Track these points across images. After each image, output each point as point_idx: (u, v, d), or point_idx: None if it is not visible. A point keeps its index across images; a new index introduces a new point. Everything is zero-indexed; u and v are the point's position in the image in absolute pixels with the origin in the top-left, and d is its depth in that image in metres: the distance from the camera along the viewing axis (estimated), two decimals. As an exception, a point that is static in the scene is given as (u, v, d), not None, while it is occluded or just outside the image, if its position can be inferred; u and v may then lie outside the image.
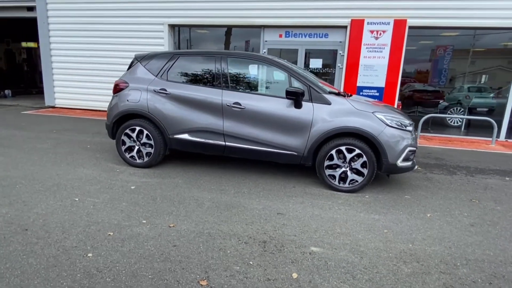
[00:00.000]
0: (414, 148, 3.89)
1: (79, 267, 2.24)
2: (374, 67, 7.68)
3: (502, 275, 2.35)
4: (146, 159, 4.44)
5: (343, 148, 3.78)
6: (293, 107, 3.89)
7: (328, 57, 8.32)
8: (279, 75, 4.25)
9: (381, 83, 7.72)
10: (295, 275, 2.24)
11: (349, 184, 3.86)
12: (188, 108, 4.21)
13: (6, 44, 16.12)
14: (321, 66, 8.32)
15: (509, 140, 7.75)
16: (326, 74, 8.31)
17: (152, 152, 4.39)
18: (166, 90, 4.28)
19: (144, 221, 2.94)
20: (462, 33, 8.43)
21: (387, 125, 3.73)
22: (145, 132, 4.36)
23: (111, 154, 5.07)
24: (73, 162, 4.62)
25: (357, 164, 3.78)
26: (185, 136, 4.26)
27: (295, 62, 8.20)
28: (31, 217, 2.93)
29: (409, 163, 3.90)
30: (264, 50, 8.45)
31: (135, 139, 4.42)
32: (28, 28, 12.55)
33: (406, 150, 3.77)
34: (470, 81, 9.53)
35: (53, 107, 10.12)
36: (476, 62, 9.45)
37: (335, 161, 3.84)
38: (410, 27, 7.43)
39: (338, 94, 4.09)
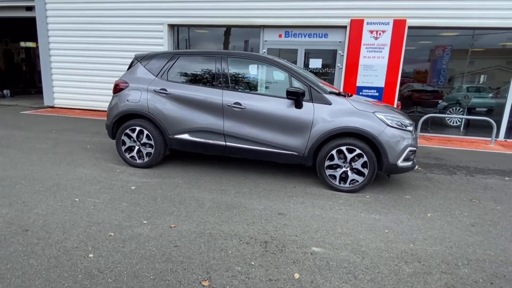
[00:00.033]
0: (415, 148, 3.90)
1: (80, 268, 2.23)
2: (373, 67, 7.69)
3: (503, 275, 2.36)
4: (146, 159, 4.44)
5: (343, 148, 3.78)
6: (293, 107, 3.89)
7: (327, 57, 8.32)
8: (280, 75, 4.24)
9: (381, 83, 7.73)
10: (297, 276, 2.24)
11: (349, 184, 3.86)
12: (189, 108, 4.20)
13: (5, 44, 16.06)
14: (320, 66, 8.32)
15: (508, 140, 7.78)
16: (326, 74, 8.31)
17: (152, 152, 4.38)
18: (166, 90, 4.27)
19: (145, 222, 2.94)
20: (461, 33, 8.46)
21: (388, 125, 3.74)
22: (145, 132, 4.35)
23: (111, 154, 5.06)
24: (72, 162, 4.61)
25: (357, 164, 3.79)
26: (186, 136, 4.26)
27: (295, 62, 8.19)
28: (31, 218, 2.92)
29: (409, 163, 3.91)
30: (264, 50, 8.45)
31: (135, 139, 4.41)
32: (27, 28, 12.52)
33: (407, 150, 3.78)
34: (469, 81, 9.54)
35: (52, 107, 10.10)
36: (475, 62, 9.47)
37: (336, 161, 3.84)
38: (409, 27, 7.44)
39: (338, 94, 4.10)
